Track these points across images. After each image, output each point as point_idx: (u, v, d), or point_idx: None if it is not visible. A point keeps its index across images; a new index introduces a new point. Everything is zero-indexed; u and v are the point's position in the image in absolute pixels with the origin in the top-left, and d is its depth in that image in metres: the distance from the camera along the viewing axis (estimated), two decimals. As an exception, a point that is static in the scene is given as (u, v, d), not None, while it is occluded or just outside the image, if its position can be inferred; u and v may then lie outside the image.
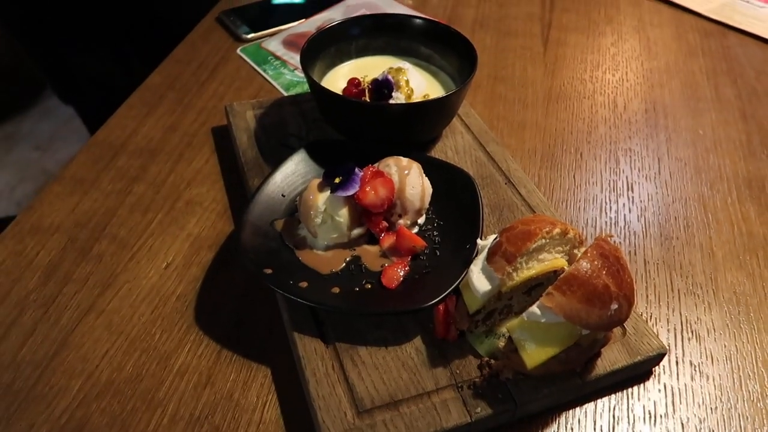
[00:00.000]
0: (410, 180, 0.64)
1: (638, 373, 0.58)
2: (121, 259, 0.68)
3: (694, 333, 0.62)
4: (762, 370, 0.59)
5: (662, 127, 0.89)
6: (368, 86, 0.77)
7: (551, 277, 0.56)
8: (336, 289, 0.59)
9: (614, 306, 0.50)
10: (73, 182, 0.78)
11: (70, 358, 0.59)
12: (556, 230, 0.55)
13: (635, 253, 0.71)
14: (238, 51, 1.03)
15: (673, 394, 0.57)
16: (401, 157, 0.66)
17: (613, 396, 0.57)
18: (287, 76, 0.97)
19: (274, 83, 0.95)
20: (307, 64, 0.75)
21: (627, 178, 0.80)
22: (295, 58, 1.00)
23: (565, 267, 0.56)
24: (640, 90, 0.96)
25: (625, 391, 0.57)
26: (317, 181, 0.64)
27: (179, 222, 0.73)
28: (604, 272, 0.51)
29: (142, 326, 0.62)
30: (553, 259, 0.56)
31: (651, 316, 0.64)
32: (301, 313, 0.58)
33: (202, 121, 0.88)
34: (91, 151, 0.82)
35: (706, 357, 0.60)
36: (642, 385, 0.58)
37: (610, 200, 0.77)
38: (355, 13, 1.11)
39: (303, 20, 1.09)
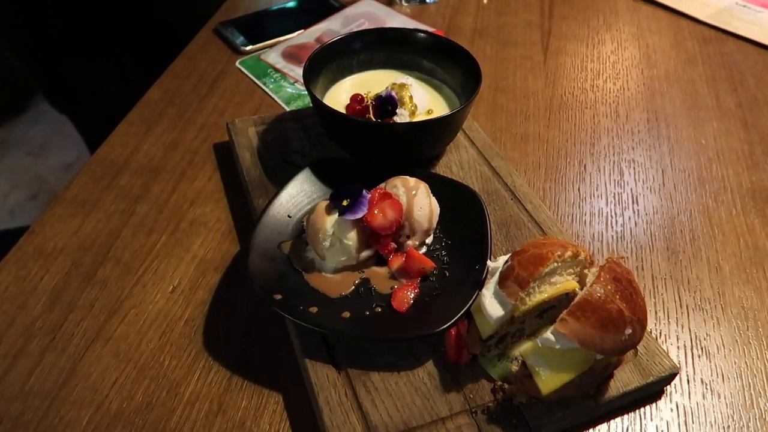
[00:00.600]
0: (418, 201, 0.63)
1: (650, 393, 0.58)
2: (126, 284, 0.68)
3: (704, 350, 0.63)
4: (772, 387, 0.59)
5: (665, 138, 0.89)
6: (371, 102, 0.77)
7: (563, 299, 0.56)
8: (346, 314, 0.59)
9: (628, 331, 0.50)
10: (75, 203, 0.77)
11: (79, 388, 0.58)
12: (568, 253, 0.55)
13: (642, 268, 0.71)
14: (237, 64, 1.02)
15: (685, 414, 0.57)
16: (408, 177, 0.66)
17: (626, 416, 0.57)
18: (288, 90, 0.96)
19: (275, 97, 0.95)
20: (309, 81, 0.75)
21: (632, 190, 0.80)
22: (295, 71, 1.00)
23: (577, 289, 0.56)
24: (641, 99, 0.96)
25: (637, 410, 0.57)
26: (324, 203, 0.64)
27: (184, 243, 0.72)
28: (617, 297, 0.51)
29: (150, 353, 0.61)
30: (565, 282, 0.56)
31: (661, 333, 0.64)
32: (312, 339, 0.58)
33: (203, 138, 0.87)
34: (92, 170, 0.82)
35: (717, 375, 0.60)
36: (654, 404, 0.58)
37: (615, 213, 0.77)
38: (354, 23, 1.10)
39: (302, 31, 1.08)
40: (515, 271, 0.54)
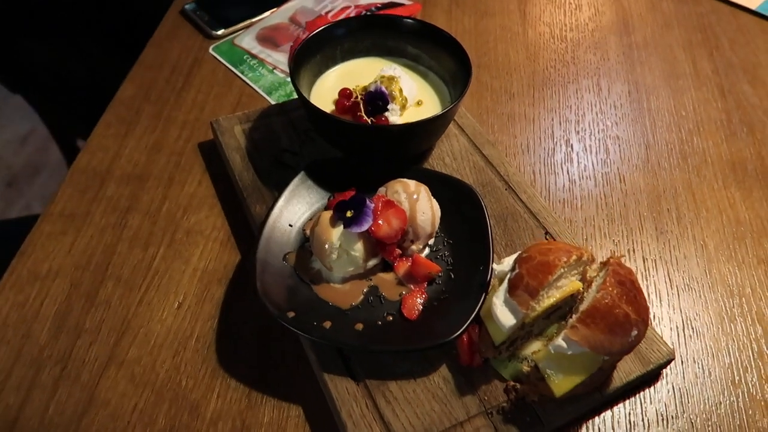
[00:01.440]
0: (420, 206, 0.64)
1: (649, 377, 0.62)
2: (130, 302, 0.67)
3: (694, 330, 0.66)
4: (759, 362, 0.64)
5: (646, 110, 0.91)
6: (361, 97, 0.75)
7: (568, 299, 0.58)
8: (359, 326, 0.60)
9: (634, 332, 0.53)
10: (63, 219, 0.75)
11: (100, 417, 0.59)
12: (573, 258, 0.57)
13: (633, 251, 0.74)
14: (211, 50, 0.98)
15: (681, 395, 0.61)
16: (408, 181, 0.66)
17: (627, 402, 0.61)
18: (268, 78, 0.93)
19: (255, 87, 0.92)
20: (296, 79, 0.73)
21: (618, 169, 0.82)
22: (272, 56, 0.96)
23: (581, 288, 0.58)
24: (621, 70, 0.97)
25: (637, 395, 0.61)
26: (327, 214, 0.64)
27: (183, 255, 0.72)
28: (623, 300, 0.53)
29: (166, 374, 0.62)
30: (570, 283, 0.58)
31: (654, 316, 0.67)
32: (328, 352, 0.59)
33: (186, 137, 0.85)
34: (75, 180, 0.79)
35: (708, 353, 0.64)
36: (652, 387, 0.62)
37: (605, 194, 0.79)
38: (328, -1, 1.06)
39: (274, 9, 1.04)
40: (524, 280, 0.55)
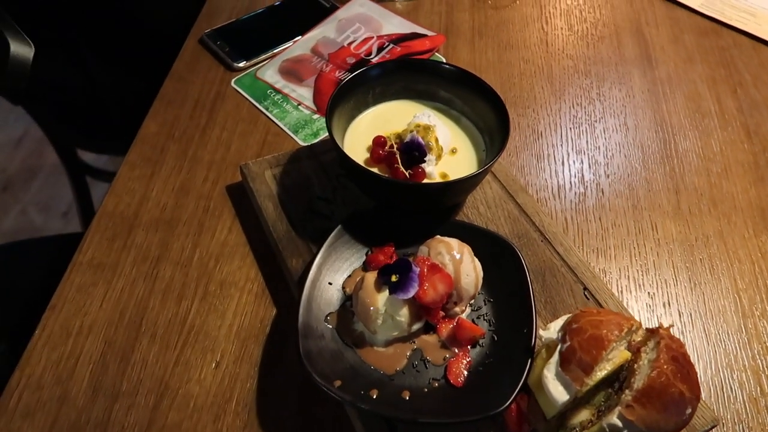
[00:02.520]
0: (464, 268, 0.63)
1: (693, 443, 0.62)
2: (167, 362, 0.66)
3: (733, 390, 0.67)
4: (798, 424, 0.64)
5: (673, 152, 0.91)
6: (396, 146, 0.74)
7: (617, 369, 0.58)
8: (406, 394, 0.60)
9: (689, 410, 0.53)
10: (93, 269, 0.73)
11: (144, 488, 0.58)
12: (624, 331, 0.56)
13: (669, 304, 0.74)
14: (233, 83, 0.96)
15: (724, 459, 0.62)
16: (450, 241, 0.65)
17: (671, 467, 0.61)
18: (293, 115, 0.92)
19: (280, 124, 0.91)
20: (332, 130, 0.72)
21: (650, 217, 0.82)
22: (296, 91, 0.95)
23: (629, 357, 0.58)
24: (647, 108, 0.97)
25: (681, 460, 0.61)
26: (371, 277, 0.63)
27: (218, 309, 0.71)
28: (678, 379, 0.53)
29: (208, 441, 0.61)
30: (620, 354, 0.58)
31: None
32: (375, 422, 0.59)
33: (213, 179, 0.83)
34: (103, 226, 0.77)
35: (749, 415, 0.65)
36: (695, 452, 0.62)
37: (638, 244, 0.79)
38: (350, 29, 1.05)
39: (298, 38, 1.02)
40: (577, 354, 0.55)
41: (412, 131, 0.75)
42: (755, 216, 0.83)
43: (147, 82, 1.09)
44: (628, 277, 0.76)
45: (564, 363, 0.56)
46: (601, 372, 0.56)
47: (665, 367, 0.53)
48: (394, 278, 0.61)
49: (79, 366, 0.65)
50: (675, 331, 0.71)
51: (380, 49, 1.02)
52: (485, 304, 0.67)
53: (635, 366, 0.57)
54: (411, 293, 0.60)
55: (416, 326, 0.63)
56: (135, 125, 0.90)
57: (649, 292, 0.75)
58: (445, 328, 0.64)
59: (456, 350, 0.63)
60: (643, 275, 0.76)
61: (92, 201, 1.59)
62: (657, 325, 0.69)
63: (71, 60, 1.38)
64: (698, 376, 0.66)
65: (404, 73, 0.81)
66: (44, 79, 1.41)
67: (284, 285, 0.72)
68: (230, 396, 0.64)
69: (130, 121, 0.98)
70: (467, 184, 0.71)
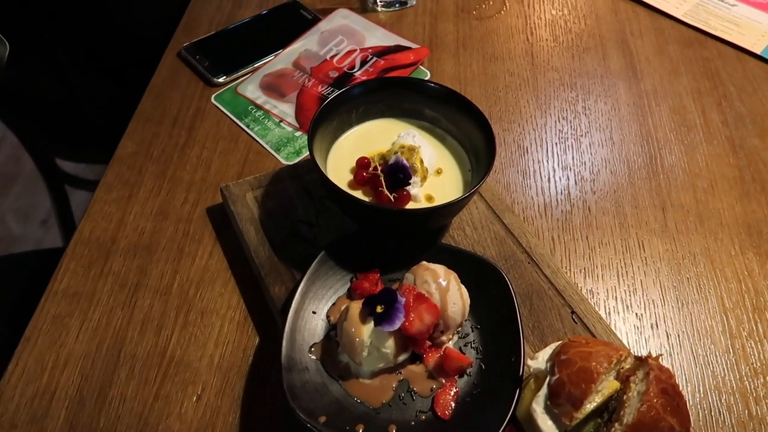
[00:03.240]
0: (451, 297, 0.62)
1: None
2: (146, 396, 0.64)
3: (721, 414, 0.66)
4: (787, 449, 0.64)
5: (659, 167, 0.90)
6: (381, 168, 0.73)
7: (606, 400, 0.57)
8: (392, 428, 0.58)
9: (679, 444, 0.53)
10: (68, 299, 0.71)
11: None
12: (614, 362, 0.55)
13: (657, 326, 0.73)
14: (213, 99, 0.94)
15: (713, 486, 0.61)
16: (436, 269, 0.64)
17: (661, 496, 0.60)
18: (275, 132, 0.90)
19: (262, 142, 0.89)
20: (314, 153, 0.70)
21: (637, 235, 0.82)
22: (278, 107, 0.93)
23: (618, 387, 0.57)
24: (633, 122, 0.96)
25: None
26: (356, 307, 0.61)
27: (199, 340, 0.69)
28: (668, 412, 0.52)
29: (189, 479, 0.59)
30: (609, 384, 0.57)
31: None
32: (362, 458, 0.57)
33: (193, 201, 0.81)
34: (78, 253, 0.75)
35: (737, 440, 0.65)
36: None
37: (625, 264, 0.78)
38: (332, 41, 1.03)
39: (280, 51, 1.00)
40: (566, 388, 0.54)
41: (396, 152, 0.73)
42: (741, 233, 0.83)
43: (125, 89, 1.07)
44: (616, 297, 0.75)
45: (553, 397, 0.55)
46: (590, 405, 0.55)
47: (655, 400, 0.53)
48: (379, 309, 0.60)
49: (55, 402, 0.63)
50: (663, 353, 0.71)
51: (363, 62, 1.00)
52: (472, 331, 0.66)
53: (624, 397, 0.56)
54: (397, 325, 0.59)
55: (402, 357, 0.62)
56: (113, 134, 0.88)
57: (636, 313, 0.74)
58: (432, 358, 0.63)
59: (443, 380, 0.62)
60: (630, 296, 0.76)
61: (72, 209, 1.56)
62: (646, 350, 0.70)
63: (48, 66, 1.35)
64: (687, 401, 0.66)
65: (388, 91, 0.79)
66: (21, 88, 1.38)
67: (267, 312, 0.71)
68: (212, 431, 0.62)
69: (109, 131, 0.95)
70: (453, 208, 0.70)
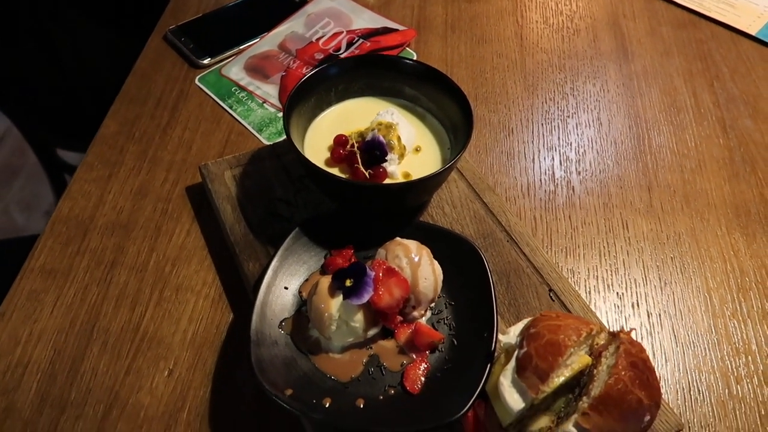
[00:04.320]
0: (422, 271, 0.61)
1: (658, 448, 0.60)
2: (118, 370, 0.64)
3: (701, 392, 0.65)
4: (767, 428, 0.63)
5: (647, 148, 0.89)
6: (357, 145, 0.72)
7: (577, 375, 0.56)
8: (360, 401, 0.58)
9: (647, 417, 0.52)
10: (44, 274, 0.71)
11: (88, 503, 0.56)
12: (583, 335, 0.54)
13: (638, 305, 0.72)
14: (197, 81, 0.94)
15: (689, 465, 0.60)
16: (408, 244, 0.63)
17: (635, 474, 0.59)
18: (258, 113, 0.89)
19: (244, 123, 0.88)
20: (290, 130, 0.69)
21: (621, 215, 0.80)
22: (261, 88, 0.92)
23: (590, 362, 0.56)
24: (622, 103, 0.95)
25: (645, 466, 0.60)
26: (325, 281, 0.61)
27: (173, 315, 0.68)
28: (636, 385, 0.51)
29: (157, 452, 0.59)
30: (579, 359, 0.56)
31: (661, 378, 0.66)
32: (330, 430, 0.57)
33: (173, 180, 0.81)
34: (56, 231, 0.75)
35: (716, 418, 0.63)
36: (660, 457, 0.60)
37: (607, 243, 0.77)
38: (318, 23, 1.02)
39: (266, 34, 1.00)
40: (533, 361, 0.53)
41: (373, 130, 0.72)
42: (729, 213, 0.81)
43: (121, 58, 1.06)
44: (597, 277, 0.74)
45: (520, 370, 0.54)
46: (558, 378, 0.54)
47: (623, 373, 0.51)
48: (348, 283, 0.59)
49: (27, 375, 0.63)
50: (643, 332, 0.69)
51: (350, 44, 0.99)
52: (446, 308, 0.65)
53: (595, 371, 0.55)
54: (365, 298, 0.58)
55: (372, 332, 0.61)
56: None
57: (617, 293, 0.73)
58: (404, 334, 0.62)
59: (414, 356, 0.61)
60: (612, 275, 0.74)
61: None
62: (623, 328, 0.68)
63: (41, 45, 1.34)
64: (665, 379, 0.65)
65: (368, 69, 0.78)
66: (17, 77, 1.39)
67: (242, 289, 0.70)
68: (182, 405, 0.62)
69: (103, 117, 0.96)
70: (429, 183, 0.69)
